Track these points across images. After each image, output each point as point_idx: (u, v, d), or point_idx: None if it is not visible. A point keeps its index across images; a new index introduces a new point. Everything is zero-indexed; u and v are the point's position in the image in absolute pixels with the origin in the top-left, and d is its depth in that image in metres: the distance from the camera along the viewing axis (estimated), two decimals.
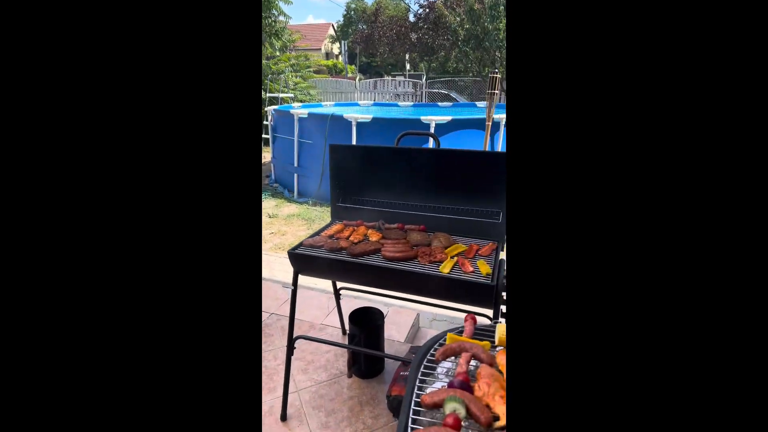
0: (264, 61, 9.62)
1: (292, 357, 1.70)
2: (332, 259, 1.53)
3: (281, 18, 9.10)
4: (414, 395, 0.85)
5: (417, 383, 0.90)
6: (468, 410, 0.77)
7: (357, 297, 2.59)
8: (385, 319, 2.19)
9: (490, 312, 1.42)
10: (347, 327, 2.08)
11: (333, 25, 31.20)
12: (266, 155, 7.51)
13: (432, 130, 4.64)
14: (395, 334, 2.31)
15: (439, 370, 0.99)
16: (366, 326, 1.96)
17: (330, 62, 21.82)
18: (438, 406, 0.79)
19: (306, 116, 5.30)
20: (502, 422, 0.76)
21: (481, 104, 7.75)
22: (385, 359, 2.06)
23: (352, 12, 31.25)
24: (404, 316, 2.48)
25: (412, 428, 0.77)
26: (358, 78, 15.48)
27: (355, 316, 2.00)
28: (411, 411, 0.81)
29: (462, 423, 0.76)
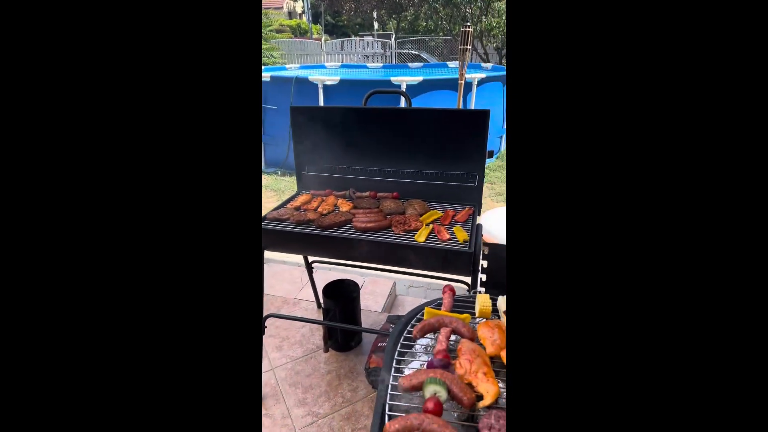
0: None
1: (266, 333, 1.61)
2: (299, 233, 1.42)
3: None
4: (391, 378, 0.78)
5: (394, 364, 0.83)
6: (449, 392, 0.71)
7: (331, 269, 2.51)
8: (362, 290, 2.13)
9: (468, 279, 1.36)
10: (322, 301, 2.00)
11: None
12: None
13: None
14: (372, 304, 2.27)
15: (417, 347, 0.92)
16: (341, 299, 1.89)
17: (293, 22, 20.49)
18: (417, 389, 0.72)
19: (269, 80, 4.96)
20: (486, 402, 0.71)
21: (452, 64, 7.51)
22: (363, 335, 2.01)
23: None
24: (381, 286, 2.43)
25: (389, 416, 0.71)
26: (324, 39, 14.66)
27: (329, 290, 1.92)
28: (388, 396, 0.74)
29: (443, 406, 0.69)
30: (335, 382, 1.75)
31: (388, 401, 0.73)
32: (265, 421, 1.57)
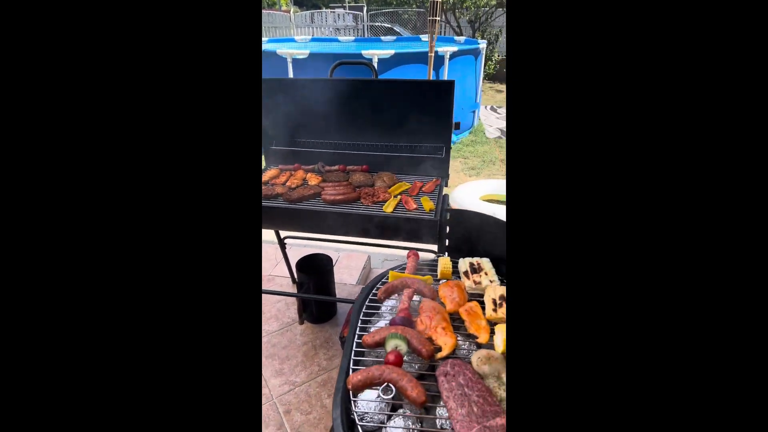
0: None
1: None
2: (267, 207, 1.42)
3: None
4: (356, 336, 0.83)
5: (359, 324, 0.87)
6: (410, 345, 0.75)
7: (306, 245, 2.52)
8: (337, 264, 2.16)
9: (435, 247, 1.41)
10: (296, 275, 2.03)
11: None
12: None
13: (375, 65, 4.38)
14: (347, 277, 2.31)
15: (383, 309, 0.97)
16: (315, 273, 1.91)
17: None
18: (380, 345, 0.77)
19: None
20: (444, 352, 0.76)
21: (425, 38, 7.40)
22: (337, 303, 2.06)
23: None
24: (355, 260, 2.47)
25: (353, 369, 0.75)
26: (293, 11, 14.05)
27: (303, 264, 1.94)
28: (353, 353, 0.78)
29: (404, 359, 0.74)
30: (311, 353, 1.80)
31: (352, 357, 0.77)
32: None
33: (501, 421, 0.60)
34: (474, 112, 5.63)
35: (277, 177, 1.65)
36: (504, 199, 3.43)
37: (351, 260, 2.47)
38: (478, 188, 3.51)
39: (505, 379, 0.71)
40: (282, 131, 1.77)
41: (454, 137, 5.16)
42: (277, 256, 2.48)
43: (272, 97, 1.68)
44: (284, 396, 1.59)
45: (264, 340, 1.87)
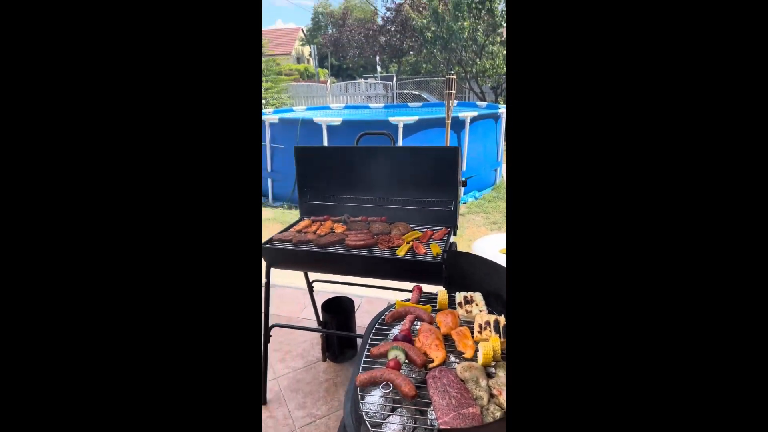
0: None
1: (270, 347, 1.83)
2: (300, 251, 1.68)
3: None
4: (366, 351, 1.02)
5: (369, 342, 1.06)
6: (407, 356, 0.94)
7: (331, 291, 2.73)
8: (359, 309, 2.34)
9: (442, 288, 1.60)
10: (321, 316, 2.22)
11: (302, 30, 31.11)
12: None
13: (400, 131, 4.83)
14: (367, 321, 2.47)
15: (390, 334, 1.16)
16: (338, 313, 2.11)
17: (301, 66, 21.81)
18: (383, 355, 0.96)
19: (277, 121, 5.40)
20: (435, 363, 0.94)
21: (451, 103, 7.99)
22: (358, 344, 2.21)
23: (320, 16, 31.23)
24: (376, 305, 2.64)
25: (361, 372, 0.94)
26: (330, 81, 15.57)
27: (327, 305, 2.15)
28: (362, 362, 0.98)
29: (402, 365, 0.92)
30: (332, 389, 1.94)
31: (362, 366, 0.96)
32: (269, 422, 1.76)
33: (473, 410, 0.76)
34: (496, 170, 5.92)
35: (309, 226, 1.94)
36: None
37: (372, 305, 2.64)
38: (498, 241, 3.66)
39: (483, 384, 0.87)
40: (315, 188, 2.08)
41: (476, 193, 5.42)
42: (305, 301, 2.69)
43: (308, 161, 2.02)
44: (306, 427, 1.72)
45: (290, 375, 2.03)
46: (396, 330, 1.16)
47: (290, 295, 2.81)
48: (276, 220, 4.88)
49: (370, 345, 1.05)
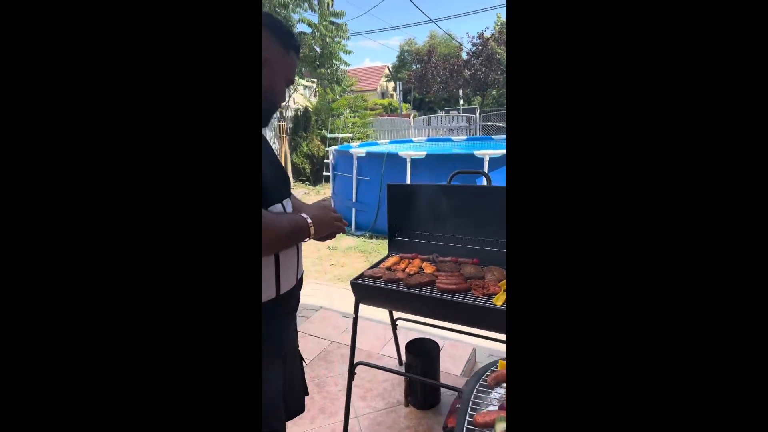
0: (326, 104, 10.47)
1: (353, 384, 1.81)
2: (390, 290, 1.66)
3: (342, 67, 9.92)
4: (467, 416, 0.93)
5: (470, 405, 0.97)
6: None
7: (412, 329, 2.66)
8: (441, 353, 2.23)
9: None
10: (404, 357, 2.15)
11: (388, 67, 32.98)
12: (327, 191, 8.01)
13: (486, 164, 4.71)
14: (451, 367, 2.33)
15: (492, 395, 1.05)
16: (422, 356, 2.02)
17: (385, 101, 22.98)
18: (489, 425, 0.86)
19: (364, 155, 5.65)
20: None
21: None
22: (442, 392, 2.09)
23: (406, 54, 32.84)
24: (460, 350, 2.49)
25: None
26: (412, 115, 16.06)
27: (411, 346, 2.08)
28: (466, 422, 0.89)
29: None
30: None
31: (465, 426, 0.87)
32: None
33: None
34: None
35: (398, 264, 1.92)
36: None
37: (456, 350, 2.50)
38: None
39: None
40: (404, 225, 2.08)
41: None
42: (386, 336, 2.66)
43: (400, 198, 2.04)
44: None
45: (371, 416, 1.98)
46: (498, 393, 1.05)
47: (371, 329, 2.79)
48: (357, 249, 5.01)
49: (472, 410, 0.96)
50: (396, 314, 2.21)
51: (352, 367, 1.81)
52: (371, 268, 1.87)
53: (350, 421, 1.93)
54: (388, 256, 2.05)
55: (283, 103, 0.88)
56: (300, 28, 9.32)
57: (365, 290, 1.71)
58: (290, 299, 1.05)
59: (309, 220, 0.98)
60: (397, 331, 2.29)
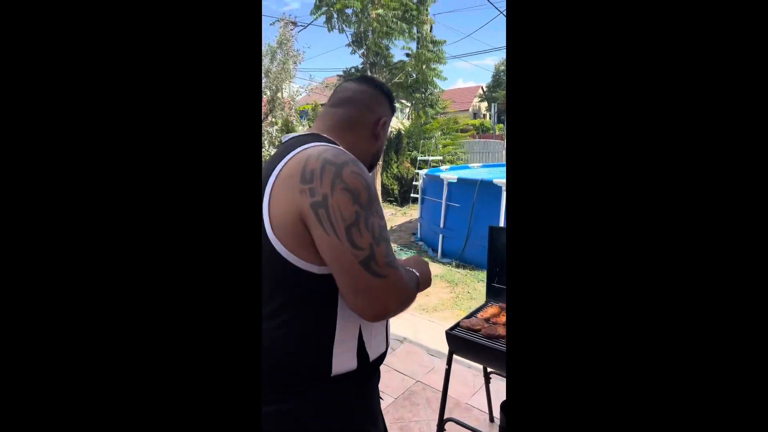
0: (419, 127, 10.62)
1: None
2: (490, 347, 1.52)
3: (436, 90, 10.01)
4: None
5: None
6: None
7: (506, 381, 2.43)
8: None
9: None
10: (496, 415, 1.96)
11: (482, 87, 32.47)
12: (414, 213, 8.02)
13: None
14: None
15: None
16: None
17: (477, 121, 22.53)
18: None
19: (455, 181, 5.53)
20: None
21: None
22: None
23: (501, 73, 32.04)
24: None
25: None
26: (506, 137, 15.42)
27: (507, 407, 1.88)
28: None
29: None
30: None
31: None
32: None
33: None
34: None
35: (497, 315, 1.76)
36: None
37: None
38: None
39: None
40: (504, 270, 1.92)
41: None
42: (476, 384, 2.47)
43: (501, 242, 1.89)
44: None
45: None
46: None
47: (459, 373, 2.63)
48: (443, 278, 4.86)
49: None
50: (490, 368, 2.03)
51: (442, 422, 1.69)
52: (468, 317, 1.74)
53: None
54: (485, 305, 1.91)
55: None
56: (399, 56, 9.68)
57: (461, 343, 1.60)
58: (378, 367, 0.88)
59: (418, 276, 0.88)
60: (490, 384, 2.10)
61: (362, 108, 0.89)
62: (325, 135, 0.85)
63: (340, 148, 0.78)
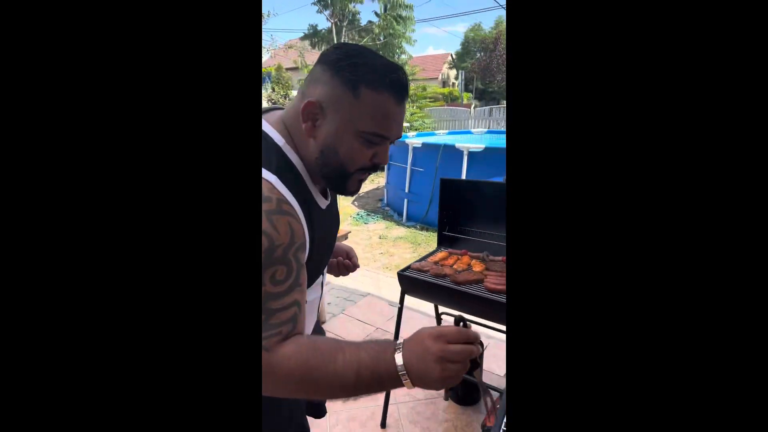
0: None
1: None
2: (436, 284, 1.67)
3: (403, 56, 9.86)
4: (505, 419, 0.92)
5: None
6: None
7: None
8: (486, 352, 2.19)
9: None
10: None
11: (452, 55, 32.11)
12: (381, 180, 8.11)
13: None
14: (495, 367, 2.30)
15: None
16: None
17: (446, 90, 22.45)
18: None
19: (419, 145, 5.62)
20: None
21: None
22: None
23: (471, 42, 31.73)
24: (504, 351, 2.44)
25: None
26: (473, 105, 15.53)
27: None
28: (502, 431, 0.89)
29: None
30: (451, 431, 1.85)
31: (503, 428, 0.87)
32: None
33: None
34: None
35: (446, 259, 1.92)
36: None
37: (500, 350, 2.45)
38: None
39: None
40: (455, 220, 2.06)
41: None
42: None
43: (452, 193, 2.02)
44: None
45: (410, 405, 2.02)
46: None
47: (416, 319, 2.83)
48: (407, 240, 5.04)
49: None
50: (441, 309, 2.21)
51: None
52: (419, 261, 1.89)
53: (389, 407, 1.99)
54: (436, 251, 2.05)
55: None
56: (366, 19, 9.35)
57: (412, 282, 1.74)
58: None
59: (401, 366, 0.60)
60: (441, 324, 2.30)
61: (299, 93, 0.73)
62: (272, 127, 0.72)
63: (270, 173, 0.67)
